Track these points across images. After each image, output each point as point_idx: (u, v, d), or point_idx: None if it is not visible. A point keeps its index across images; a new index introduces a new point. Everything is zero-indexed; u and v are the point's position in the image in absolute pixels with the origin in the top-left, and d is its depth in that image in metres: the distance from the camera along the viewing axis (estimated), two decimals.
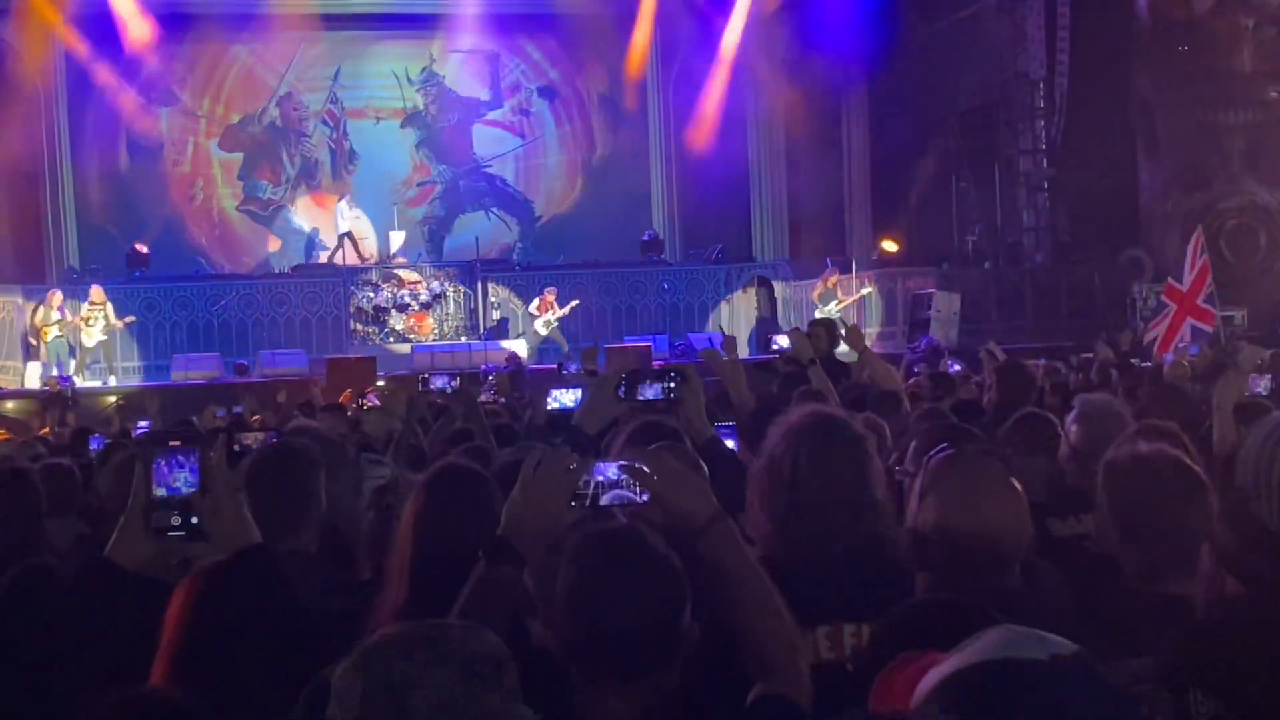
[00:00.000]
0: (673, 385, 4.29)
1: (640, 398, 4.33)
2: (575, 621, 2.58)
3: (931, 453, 3.45)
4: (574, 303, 24.26)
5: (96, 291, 22.72)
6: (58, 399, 19.74)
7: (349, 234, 25.96)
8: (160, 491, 2.91)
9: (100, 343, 22.62)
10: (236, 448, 5.20)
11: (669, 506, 2.80)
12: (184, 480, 2.92)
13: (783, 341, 17.79)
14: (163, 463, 2.93)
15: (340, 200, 26.58)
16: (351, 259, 25.75)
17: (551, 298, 24.30)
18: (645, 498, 2.81)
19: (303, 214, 28.56)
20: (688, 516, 2.77)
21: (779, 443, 3.48)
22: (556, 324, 24.09)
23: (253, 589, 2.92)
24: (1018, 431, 5.55)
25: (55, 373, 21.91)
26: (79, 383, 22.05)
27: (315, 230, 28.28)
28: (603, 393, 4.36)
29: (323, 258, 26.27)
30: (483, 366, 20.16)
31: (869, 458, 3.50)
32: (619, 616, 2.55)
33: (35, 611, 3.36)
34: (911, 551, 3.20)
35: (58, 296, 22.55)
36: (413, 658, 2.04)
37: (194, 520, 2.90)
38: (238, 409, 13.87)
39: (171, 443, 2.96)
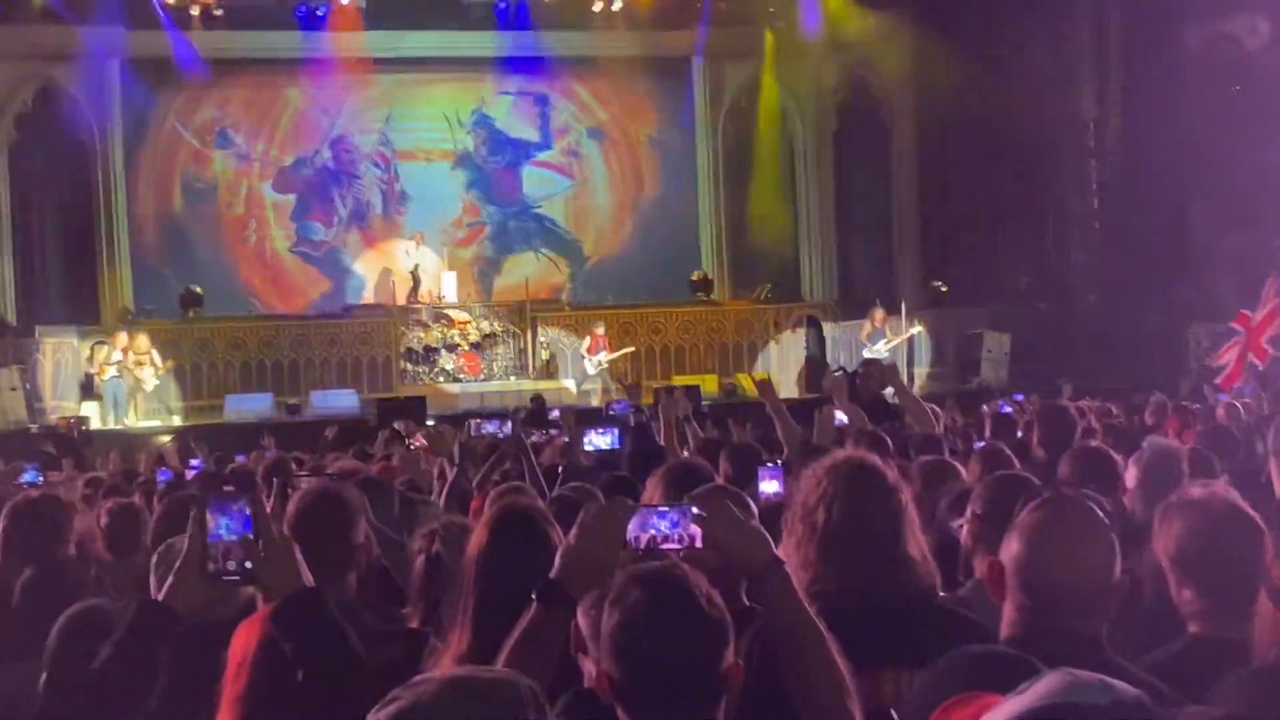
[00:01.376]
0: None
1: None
2: (619, 661, 2.59)
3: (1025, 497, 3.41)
4: (629, 349, 24.29)
5: (143, 340, 22.85)
6: (67, 440, 19.82)
7: (415, 272, 26.16)
8: (215, 536, 2.96)
9: (155, 387, 22.81)
10: (290, 490, 5.23)
11: (725, 551, 2.81)
12: (238, 525, 2.97)
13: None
14: (217, 508, 2.98)
15: (410, 239, 26.74)
16: (413, 298, 25.91)
17: (601, 332, 24.33)
18: (699, 543, 2.83)
19: (354, 255, 28.75)
20: (744, 562, 2.79)
21: (812, 490, 3.49)
22: (607, 365, 24.10)
23: (305, 632, 2.95)
24: (1077, 468, 5.52)
25: (108, 412, 22.15)
26: (133, 422, 22.26)
27: (363, 270, 28.47)
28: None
29: (398, 297, 26.31)
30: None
31: (903, 507, 3.50)
32: (661, 656, 2.56)
33: (90, 653, 3.40)
34: (990, 587, 3.17)
35: (122, 338, 22.74)
36: (447, 702, 2.06)
37: (248, 564, 2.95)
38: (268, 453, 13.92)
39: (226, 488, 3.02)
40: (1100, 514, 3.21)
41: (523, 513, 3.67)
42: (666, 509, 2.94)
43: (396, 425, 14.36)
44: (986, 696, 2.05)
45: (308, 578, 3.04)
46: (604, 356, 24.07)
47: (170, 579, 3.01)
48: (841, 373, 10.57)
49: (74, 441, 19.69)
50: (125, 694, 2.91)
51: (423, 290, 25.82)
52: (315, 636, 2.96)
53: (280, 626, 2.93)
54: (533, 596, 2.87)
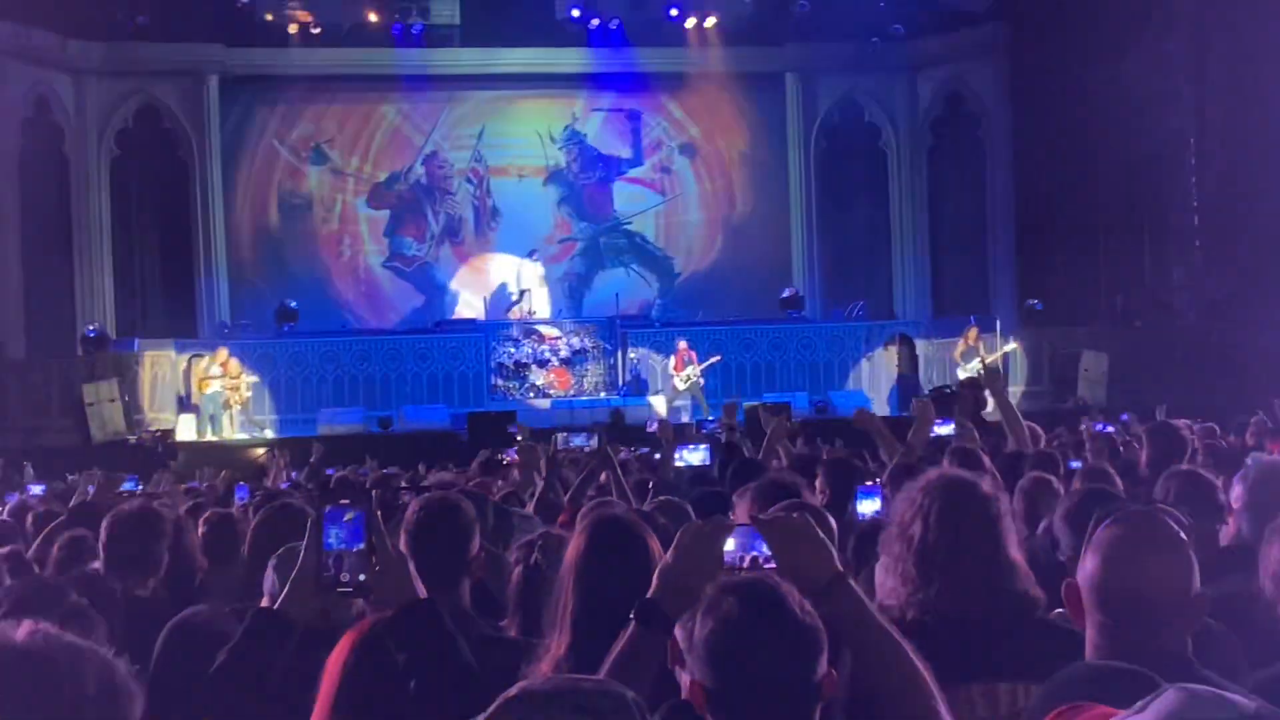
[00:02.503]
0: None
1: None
2: (712, 671, 2.57)
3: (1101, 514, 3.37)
4: (715, 358, 24.25)
5: (234, 364, 23.17)
6: (150, 453, 20.07)
7: (527, 290, 26.45)
8: (328, 546, 2.99)
9: (245, 400, 23.17)
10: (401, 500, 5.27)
11: (789, 567, 2.80)
12: (351, 536, 2.99)
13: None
14: (332, 518, 3.00)
15: (528, 256, 27.01)
16: (525, 312, 26.23)
17: (684, 345, 24.31)
18: (771, 564, 2.83)
19: (446, 270, 28.97)
20: (809, 579, 2.77)
21: (907, 508, 3.47)
22: (698, 380, 24.06)
23: (418, 643, 2.98)
24: (1174, 489, 5.43)
25: (205, 425, 22.50)
26: (229, 435, 22.58)
27: (455, 285, 28.70)
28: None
29: (516, 312, 26.53)
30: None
31: (1000, 517, 3.48)
32: (754, 666, 2.54)
33: (193, 659, 3.43)
34: (1067, 606, 3.13)
35: (223, 354, 23.08)
36: (548, 709, 2.05)
37: (361, 577, 2.97)
38: (362, 471, 14.02)
39: (341, 501, 3.04)
40: (1175, 528, 3.17)
41: (620, 520, 3.68)
42: (742, 528, 2.94)
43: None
44: (1100, 707, 2.01)
45: (421, 590, 3.06)
46: (691, 370, 24.04)
47: (286, 588, 3.05)
48: (928, 396, 10.46)
49: (157, 454, 19.99)
50: (238, 701, 2.94)
51: (531, 306, 26.06)
52: (430, 648, 3.00)
53: (395, 637, 2.95)
54: (631, 616, 2.87)
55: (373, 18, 27.09)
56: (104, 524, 5.60)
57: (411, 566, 3.07)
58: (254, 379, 23.49)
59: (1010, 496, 4.87)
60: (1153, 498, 5.36)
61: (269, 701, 2.95)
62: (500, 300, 27.29)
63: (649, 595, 2.87)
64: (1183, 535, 3.10)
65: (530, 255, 26.92)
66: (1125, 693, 2.41)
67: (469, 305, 27.78)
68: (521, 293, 26.26)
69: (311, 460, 14.24)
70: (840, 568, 2.85)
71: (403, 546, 3.99)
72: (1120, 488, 5.66)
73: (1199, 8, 24.25)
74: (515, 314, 26.05)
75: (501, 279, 27.26)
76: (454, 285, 28.76)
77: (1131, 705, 1.75)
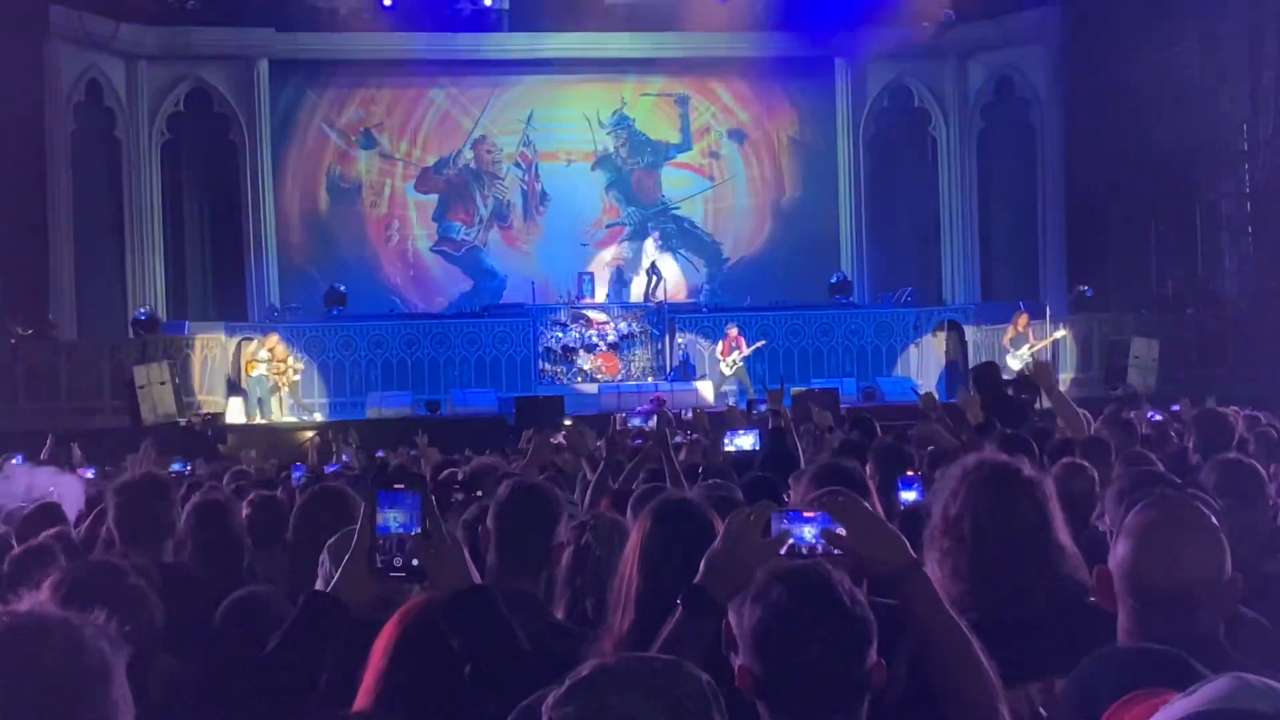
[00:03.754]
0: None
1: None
2: (761, 659, 2.58)
3: (1132, 499, 3.34)
4: (760, 343, 24.21)
5: (280, 348, 23.29)
6: (200, 436, 20.20)
7: (655, 269, 26.65)
8: (383, 529, 2.98)
9: (293, 384, 23.32)
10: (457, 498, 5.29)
11: (863, 555, 2.78)
12: (406, 520, 2.98)
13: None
14: (387, 501, 3.00)
15: (648, 239, 27.16)
16: (656, 294, 26.52)
17: (734, 333, 24.27)
18: (838, 551, 2.80)
19: (495, 255, 29.04)
20: (882, 565, 2.76)
21: (951, 500, 3.43)
22: (743, 364, 24.02)
23: (472, 628, 2.97)
24: (1220, 478, 5.40)
25: (254, 407, 22.66)
26: (277, 418, 22.72)
27: (502, 269, 28.79)
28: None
29: (636, 292, 26.78)
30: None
31: (1045, 501, 3.43)
32: (803, 653, 2.54)
33: (250, 637, 3.45)
34: (1099, 593, 3.10)
35: (274, 339, 23.22)
36: (625, 691, 2.05)
37: (415, 562, 2.97)
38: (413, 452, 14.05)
39: (396, 485, 3.03)
40: (1205, 512, 3.14)
41: (686, 502, 3.68)
42: (811, 514, 2.91)
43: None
44: (1162, 693, 2.01)
45: (475, 576, 3.06)
46: (737, 356, 24.00)
47: (339, 572, 3.05)
48: (974, 392, 10.37)
49: (206, 438, 20.13)
50: (291, 683, 2.95)
51: (659, 288, 26.43)
52: (484, 633, 3.00)
53: (449, 621, 2.95)
54: (678, 601, 2.86)
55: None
56: (110, 496, 5.62)
57: (464, 551, 3.07)
58: (301, 365, 23.60)
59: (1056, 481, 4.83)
60: (1197, 484, 5.32)
61: (321, 685, 2.96)
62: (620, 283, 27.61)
63: (696, 581, 2.86)
64: (1214, 519, 3.08)
65: (651, 236, 27.01)
66: (1157, 675, 2.41)
67: (610, 286, 27.74)
68: (652, 272, 26.45)
69: (353, 445, 14.24)
70: (913, 556, 2.83)
71: (490, 525, 4.02)
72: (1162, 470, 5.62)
73: None
74: (650, 294, 26.45)
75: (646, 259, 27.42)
76: (500, 268, 28.80)
77: (1162, 686, 1.75)
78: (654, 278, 26.65)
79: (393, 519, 2.99)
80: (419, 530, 2.98)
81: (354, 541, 3.02)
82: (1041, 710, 3.06)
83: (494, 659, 2.95)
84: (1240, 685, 1.68)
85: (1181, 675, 2.31)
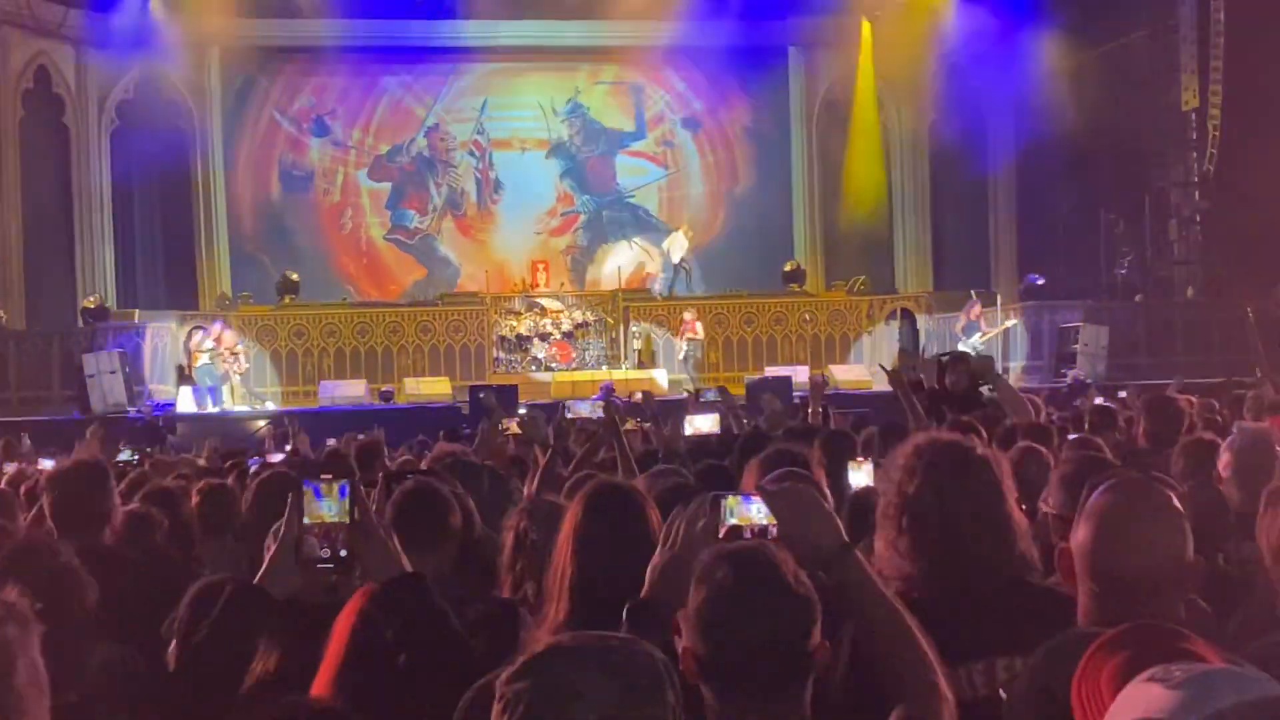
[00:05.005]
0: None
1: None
2: (705, 640, 2.57)
3: (1094, 481, 3.35)
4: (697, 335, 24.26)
5: (229, 335, 23.13)
6: (150, 428, 20.05)
7: (682, 263, 26.65)
8: (311, 522, 2.97)
9: (243, 372, 23.18)
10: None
11: (796, 537, 2.80)
12: (335, 510, 2.97)
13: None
14: (315, 492, 2.98)
15: (677, 230, 27.17)
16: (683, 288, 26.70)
17: (690, 318, 24.29)
18: (774, 532, 2.81)
19: (449, 243, 28.96)
20: (815, 548, 2.77)
21: (904, 477, 3.42)
22: (695, 351, 24.02)
23: (406, 617, 2.97)
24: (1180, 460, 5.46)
25: (205, 398, 22.50)
26: (229, 407, 22.58)
27: (457, 258, 28.73)
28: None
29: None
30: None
31: (999, 480, 3.43)
32: (747, 634, 2.53)
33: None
34: (1061, 574, 3.12)
35: (218, 328, 23.03)
36: (579, 668, 2.07)
37: (342, 553, 2.95)
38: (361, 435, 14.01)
39: (323, 476, 3.02)
40: (1168, 494, 3.14)
41: (619, 488, 3.69)
42: (743, 498, 2.93)
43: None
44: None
45: (405, 563, 3.05)
46: (690, 338, 24.04)
47: (266, 562, 3.04)
48: (907, 369, 10.41)
49: (156, 428, 19.98)
50: (218, 671, 2.94)
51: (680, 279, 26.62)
52: (419, 621, 2.98)
53: (382, 611, 2.95)
54: (623, 617, 2.86)
55: None
56: (44, 484, 5.56)
57: (394, 539, 3.06)
58: (241, 350, 23.26)
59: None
60: (1148, 468, 5.37)
61: (253, 672, 2.95)
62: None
63: (643, 594, 2.85)
64: (1176, 502, 3.10)
65: (681, 228, 27.09)
66: None
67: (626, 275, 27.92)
68: (678, 266, 26.60)
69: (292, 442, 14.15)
70: (846, 539, 2.84)
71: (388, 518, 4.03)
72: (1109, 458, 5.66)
73: None
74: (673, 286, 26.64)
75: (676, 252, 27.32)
76: (455, 257, 28.72)
77: None
78: (681, 269, 26.74)
79: (323, 509, 2.98)
80: (348, 520, 2.97)
81: (281, 532, 3.01)
82: (1001, 692, 3.07)
83: (430, 646, 2.95)
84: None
85: None
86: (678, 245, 26.78)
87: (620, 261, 28.11)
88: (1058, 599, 3.21)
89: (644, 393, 15.12)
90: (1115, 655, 2.08)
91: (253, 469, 9.87)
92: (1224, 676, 1.70)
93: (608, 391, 20.46)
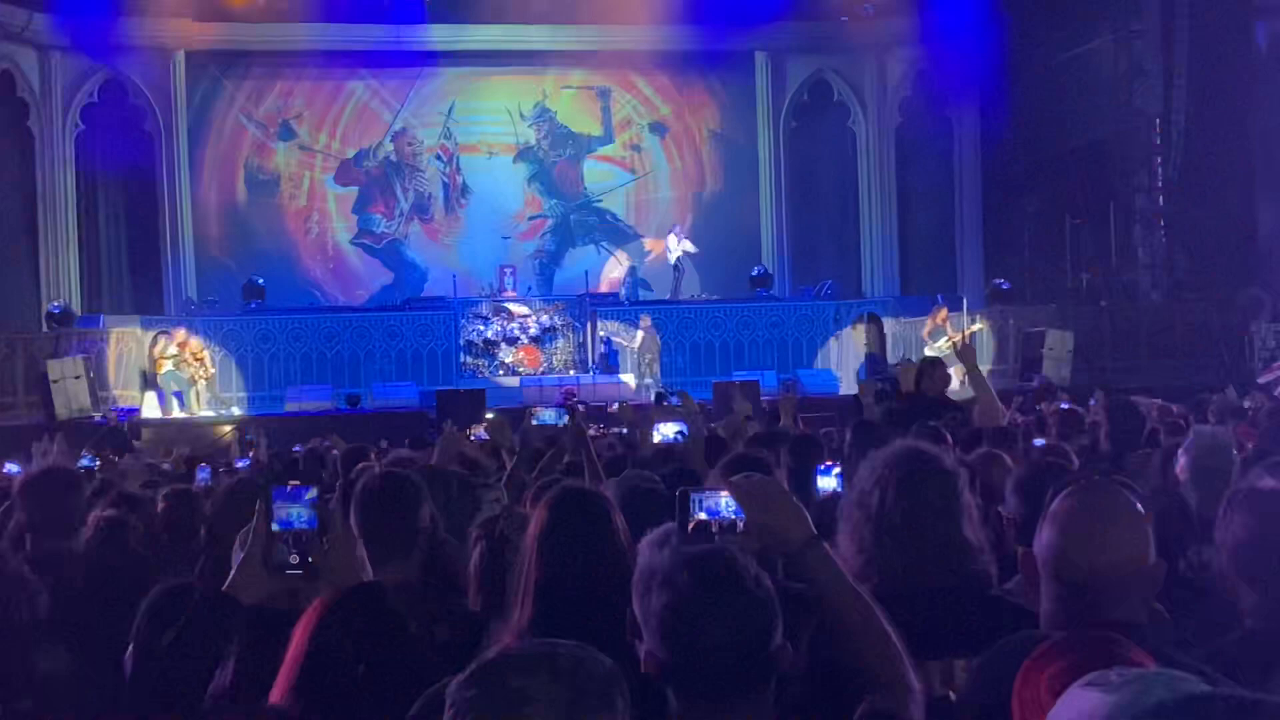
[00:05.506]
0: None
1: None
2: (668, 643, 2.59)
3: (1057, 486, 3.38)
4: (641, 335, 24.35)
5: (195, 342, 23.07)
6: (115, 433, 19.97)
7: (680, 264, 26.77)
8: (278, 529, 2.97)
9: (210, 377, 23.09)
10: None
11: (764, 530, 2.82)
12: (301, 518, 2.98)
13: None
14: (283, 498, 2.99)
15: (670, 233, 27.20)
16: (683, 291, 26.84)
17: (648, 325, 24.33)
18: (742, 523, 2.83)
19: (416, 247, 28.92)
20: (783, 540, 2.80)
21: (869, 476, 3.49)
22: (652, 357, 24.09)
23: (363, 624, 2.97)
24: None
25: (171, 403, 22.40)
26: (196, 412, 22.49)
27: (424, 262, 28.71)
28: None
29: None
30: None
31: (958, 493, 3.48)
32: (711, 637, 2.55)
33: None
34: (1025, 579, 3.14)
35: (181, 334, 22.94)
36: (528, 674, 2.09)
37: (310, 559, 2.96)
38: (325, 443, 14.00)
39: (291, 482, 3.02)
40: (1131, 499, 3.15)
41: (584, 493, 3.71)
42: (710, 491, 2.94)
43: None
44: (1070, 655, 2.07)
45: (368, 571, 3.06)
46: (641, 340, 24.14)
47: (234, 569, 3.04)
48: (878, 384, 10.49)
49: (121, 434, 19.88)
50: (184, 679, 2.94)
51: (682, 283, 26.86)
52: (375, 630, 2.98)
53: (340, 620, 2.95)
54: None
55: None
56: (17, 492, 5.56)
57: (361, 547, 3.06)
58: (205, 355, 23.16)
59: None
60: (1110, 472, 5.40)
61: (221, 679, 2.95)
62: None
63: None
64: (1137, 506, 3.12)
65: (673, 230, 27.13)
66: None
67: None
68: (678, 267, 26.70)
69: (259, 443, 14.13)
70: (814, 531, 2.86)
71: (353, 520, 4.03)
72: (1074, 465, 5.69)
73: None
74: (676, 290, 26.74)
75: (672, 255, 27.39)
76: (423, 261, 28.67)
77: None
78: (680, 271, 26.88)
79: (291, 515, 2.98)
80: (315, 525, 2.97)
81: (249, 539, 3.01)
82: (951, 694, 3.10)
83: (387, 656, 2.95)
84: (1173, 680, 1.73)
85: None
86: (672, 249, 26.86)
87: (588, 266, 28.09)
88: (1012, 606, 3.24)
89: (619, 403, 15.15)
90: (1056, 661, 2.13)
91: (202, 479, 9.84)
92: (1159, 679, 1.73)
93: (567, 396, 20.53)
